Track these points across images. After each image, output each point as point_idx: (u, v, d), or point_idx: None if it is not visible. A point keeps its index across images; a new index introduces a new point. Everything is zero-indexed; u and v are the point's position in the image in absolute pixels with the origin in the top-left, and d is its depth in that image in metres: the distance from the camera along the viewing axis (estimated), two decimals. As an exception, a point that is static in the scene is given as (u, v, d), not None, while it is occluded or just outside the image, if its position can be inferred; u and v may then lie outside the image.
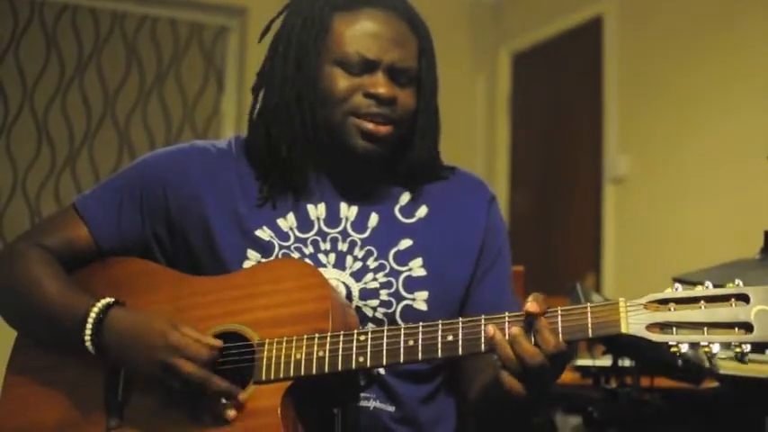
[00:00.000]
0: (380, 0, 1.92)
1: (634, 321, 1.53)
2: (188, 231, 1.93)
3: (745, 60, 4.75)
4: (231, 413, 1.69)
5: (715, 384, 2.49)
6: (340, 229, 1.92)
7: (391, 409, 1.85)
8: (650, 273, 4.80)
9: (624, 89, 5.61)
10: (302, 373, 1.68)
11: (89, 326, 1.78)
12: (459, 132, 6.21)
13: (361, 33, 1.88)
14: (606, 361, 2.85)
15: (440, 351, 1.62)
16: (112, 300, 1.81)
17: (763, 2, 4.69)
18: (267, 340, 1.72)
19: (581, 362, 3.12)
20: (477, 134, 6.80)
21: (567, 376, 3.80)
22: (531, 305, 1.57)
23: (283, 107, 1.91)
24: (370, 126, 1.86)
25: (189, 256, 1.93)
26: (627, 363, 2.71)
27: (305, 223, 1.92)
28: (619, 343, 2.53)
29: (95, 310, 1.78)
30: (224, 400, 1.70)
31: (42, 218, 5.30)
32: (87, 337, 1.78)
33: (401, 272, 1.89)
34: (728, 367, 2.29)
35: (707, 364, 2.28)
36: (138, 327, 1.75)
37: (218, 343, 1.72)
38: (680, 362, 2.32)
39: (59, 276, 1.90)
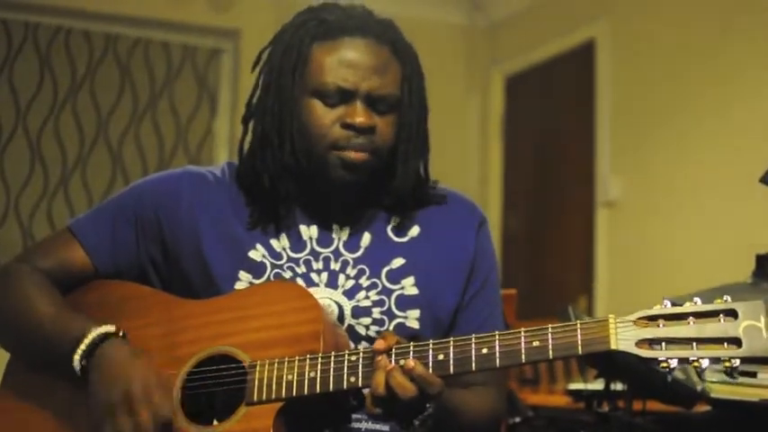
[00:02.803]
0: (360, 28, 1.91)
1: (623, 338, 1.54)
2: (181, 254, 1.93)
3: (738, 84, 4.77)
4: None
5: (707, 408, 2.49)
6: (332, 248, 1.93)
7: (385, 429, 1.86)
8: (642, 296, 4.78)
9: (617, 112, 5.63)
10: (294, 393, 1.68)
11: (83, 346, 1.77)
12: (452, 154, 6.23)
13: (338, 63, 1.87)
14: (598, 385, 2.84)
15: (430, 370, 1.62)
16: (113, 329, 1.80)
17: (755, 26, 4.71)
18: (259, 362, 1.72)
19: (573, 386, 3.12)
20: (469, 156, 6.81)
21: (560, 400, 3.80)
22: (378, 343, 1.63)
23: (266, 138, 1.92)
24: (351, 155, 1.86)
25: (182, 278, 1.94)
26: (619, 387, 2.70)
27: (297, 243, 1.93)
28: (611, 365, 2.52)
29: (93, 334, 1.77)
30: None
31: (35, 240, 5.33)
32: (77, 355, 1.77)
33: (393, 290, 1.90)
34: (720, 391, 2.29)
35: (696, 379, 2.28)
36: (127, 360, 1.74)
37: (170, 416, 1.70)
38: (670, 378, 2.31)
39: (55, 298, 1.90)
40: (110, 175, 5.84)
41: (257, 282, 1.88)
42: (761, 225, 4.13)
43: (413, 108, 1.94)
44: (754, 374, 2.13)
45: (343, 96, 1.87)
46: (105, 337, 1.78)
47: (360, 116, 1.85)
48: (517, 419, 3.15)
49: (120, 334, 1.80)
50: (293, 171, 1.90)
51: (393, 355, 1.63)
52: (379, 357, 1.64)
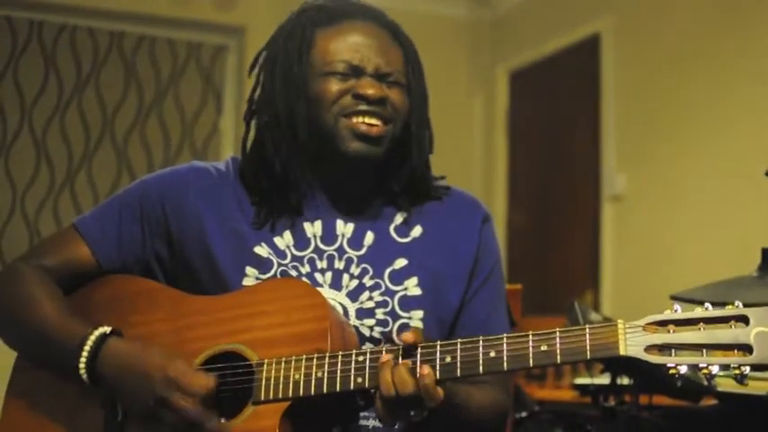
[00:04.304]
0: (361, 12, 1.96)
1: (632, 343, 1.52)
2: (187, 249, 1.94)
3: (743, 79, 4.76)
4: None
5: (714, 402, 2.49)
6: (336, 246, 1.93)
7: (394, 428, 1.85)
8: (648, 290, 4.80)
9: (621, 107, 5.62)
10: (301, 393, 1.68)
11: (83, 356, 1.77)
12: (456, 150, 6.22)
13: (343, 45, 1.91)
14: (605, 379, 2.85)
15: (438, 372, 1.62)
16: (109, 329, 1.80)
17: (760, 22, 4.70)
18: (266, 360, 1.72)
19: (580, 380, 3.12)
20: (474, 152, 6.80)
21: (566, 394, 3.81)
22: (407, 336, 1.62)
23: (275, 123, 1.93)
24: (362, 127, 1.87)
25: (188, 273, 1.94)
26: (625, 381, 2.70)
27: (301, 241, 1.93)
28: (617, 361, 2.53)
29: (91, 340, 1.78)
30: None
31: (42, 238, 5.33)
32: (82, 368, 1.78)
33: (396, 291, 1.90)
34: (727, 385, 2.29)
35: (704, 381, 2.28)
36: (135, 359, 1.74)
37: (213, 381, 1.70)
38: (679, 383, 2.32)
39: (57, 298, 1.90)
40: (115, 173, 5.83)
41: (264, 277, 1.88)
42: (767, 218, 4.12)
43: (417, 92, 1.97)
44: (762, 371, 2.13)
45: (353, 72, 1.89)
46: (102, 340, 1.78)
47: (371, 88, 1.88)
48: (524, 414, 3.16)
49: (117, 332, 1.81)
50: (306, 153, 1.91)
51: (400, 356, 1.64)
52: (384, 357, 1.64)
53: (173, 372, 1.69)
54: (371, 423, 1.84)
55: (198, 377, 1.70)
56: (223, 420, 1.70)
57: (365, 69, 1.89)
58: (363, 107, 1.88)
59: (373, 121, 1.88)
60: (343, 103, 1.88)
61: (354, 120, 1.88)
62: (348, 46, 1.90)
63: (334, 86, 1.89)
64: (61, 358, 1.81)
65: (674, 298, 2.20)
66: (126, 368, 1.75)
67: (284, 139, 1.92)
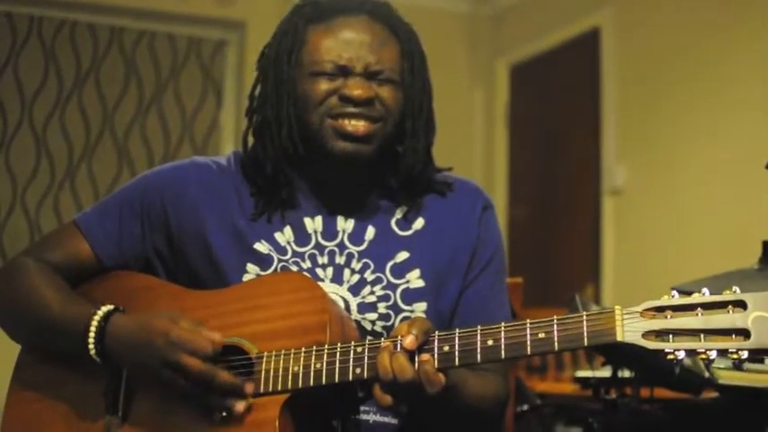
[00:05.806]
0: (354, 6, 1.93)
1: (630, 329, 1.51)
2: (187, 245, 1.94)
3: (742, 70, 4.76)
4: (239, 406, 1.69)
5: (715, 395, 2.49)
6: (337, 241, 1.93)
7: (393, 422, 1.86)
8: (649, 283, 4.80)
9: (621, 100, 5.62)
10: (300, 385, 1.68)
11: (92, 334, 1.78)
12: (457, 144, 6.22)
13: (334, 43, 1.89)
14: (606, 372, 2.85)
15: (436, 362, 1.62)
16: (112, 307, 1.81)
17: (759, 13, 4.69)
18: (266, 353, 1.73)
19: (581, 373, 3.12)
20: (475, 146, 6.80)
21: (568, 387, 3.81)
22: (411, 342, 1.60)
23: (266, 124, 1.93)
24: (348, 128, 1.86)
25: (189, 269, 1.94)
26: (626, 374, 2.70)
27: (302, 237, 1.93)
28: (618, 353, 2.53)
29: (97, 318, 1.79)
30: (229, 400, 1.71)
31: (43, 233, 5.34)
32: (91, 346, 1.78)
33: (398, 285, 1.90)
34: (728, 377, 2.29)
35: (705, 373, 2.28)
36: (140, 329, 1.75)
37: (218, 337, 1.71)
38: (677, 370, 2.31)
39: (61, 287, 1.91)
40: (116, 168, 5.84)
41: (264, 274, 1.88)
42: (767, 211, 4.12)
43: (415, 86, 1.95)
44: (761, 360, 2.13)
45: (341, 72, 1.88)
46: (107, 318, 1.79)
47: (357, 89, 1.86)
48: (525, 407, 3.16)
49: (120, 309, 1.82)
50: (296, 155, 1.91)
51: (399, 345, 1.64)
52: (384, 343, 1.64)
53: (176, 335, 1.70)
54: (372, 417, 1.84)
55: (202, 335, 1.70)
56: (224, 414, 1.71)
57: (353, 69, 1.87)
58: (350, 109, 1.86)
59: (360, 122, 1.87)
60: (329, 104, 1.87)
61: (340, 121, 1.87)
62: (338, 44, 1.88)
63: (322, 87, 1.88)
64: (70, 343, 1.82)
65: (675, 290, 2.20)
66: (133, 341, 1.75)
67: (274, 142, 1.92)
